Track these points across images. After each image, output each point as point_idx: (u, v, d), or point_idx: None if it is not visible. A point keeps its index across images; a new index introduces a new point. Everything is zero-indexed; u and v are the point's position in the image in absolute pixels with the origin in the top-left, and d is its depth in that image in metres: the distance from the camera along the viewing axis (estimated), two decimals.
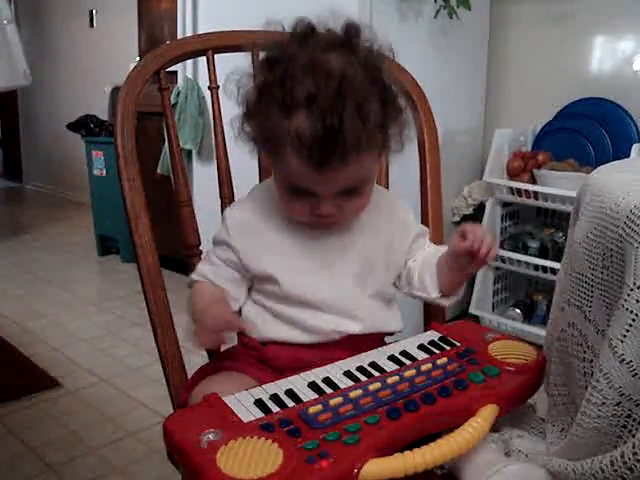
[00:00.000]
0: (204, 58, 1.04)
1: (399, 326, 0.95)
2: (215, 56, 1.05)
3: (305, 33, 0.79)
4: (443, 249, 0.94)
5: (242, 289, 0.91)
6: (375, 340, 0.91)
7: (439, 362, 0.79)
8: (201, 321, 0.80)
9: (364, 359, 0.82)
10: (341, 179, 0.77)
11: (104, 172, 3.29)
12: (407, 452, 0.65)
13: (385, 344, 0.94)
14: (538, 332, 2.06)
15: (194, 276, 0.91)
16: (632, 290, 0.59)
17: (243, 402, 0.71)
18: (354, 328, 0.88)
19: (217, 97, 1.05)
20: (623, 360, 0.59)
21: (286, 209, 0.86)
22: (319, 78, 0.73)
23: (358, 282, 0.89)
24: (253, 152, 0.87)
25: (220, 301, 0.84)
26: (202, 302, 0.85)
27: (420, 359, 0.82)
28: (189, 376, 0.93)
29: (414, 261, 0.95)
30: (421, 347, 0.85)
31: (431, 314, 1.08)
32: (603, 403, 0.60)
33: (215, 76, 1.05)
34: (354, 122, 0.73)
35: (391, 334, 0.95)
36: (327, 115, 0.72)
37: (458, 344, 0.86)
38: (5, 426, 1.76)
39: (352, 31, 0.79)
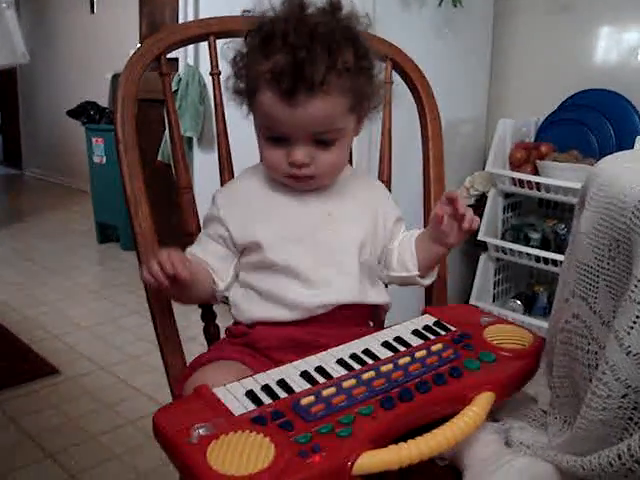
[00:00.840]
0: (206, 45, 1.03)
1: (385, 299, 0.95)
2: (217, 42, 1.03)
3: (292, 3, 0.85)
4: (420, 230, 0.97)
5: (229, 268, 0.91)
6: (362, 315, 0.92)
7: (434, 348, 0.78)
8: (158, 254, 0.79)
9: (357, 346, 0.80)
10: (310, 116, 0.81)
11: (104, 159, 3.27)
12: (401, 443, 0.63)
13: (374, 320, 0.95)
14: (539, 324, 2.06)
15: None
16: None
17: (234, 394, 0.70)
18: (338, 298, 0.87)
19: (218, 83, 1.03)
20: (630, 352, 0.58)
21: (266, 164, 0.89)
22: (296, 24, 0.80)
23: (343, 250, 0.90)
24: (243, 111, 0.91)
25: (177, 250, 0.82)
26: None
27: (414, 345, 0.80)
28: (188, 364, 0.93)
29: (392, 244, 0.97)
30: (415, 332, 0.84)
31: (432, 301, 1.07)
32: (609, 395, 0.59)
33: (217, 62, 1.04)
34: (322, 57, 0.79)
35: (379, 310, 0.96)
36: (297, 49, 0.78)
37: (453, 329, 0.85)
38: (4, 413, 1.76)
39: (334, 4, 0.86)
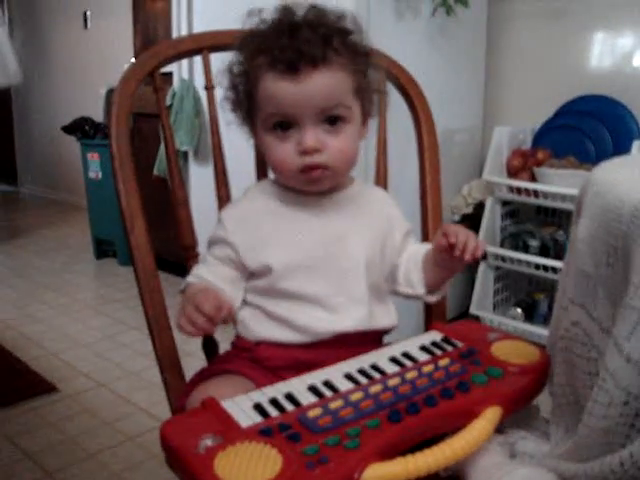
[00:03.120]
0: (200, 59, 1.03)
1: (393, 322, 0.94)
2: (211, 56, 1.03)
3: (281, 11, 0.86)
4: (428, 246, 0.95)
5: (239, 289, 0.89)
6: (370, 338, 0.90)
7: (441, 363, 0.78)
8: (192, 304, 0.77)
9: (365, 360, 0.80)
10: (316, 90, 0.81)
11: (100, 175, 3.27)
12: (409, 456, 0.63)
13: (381, 341, 0.94)
14: (540, 331, 2.05)
15: (189, 278, 0.90)
16: (638, 288, 0.57)
17: (241, 406, 0.70)
18: (347, 326, 0.86)
19: (213, 97, 1.03)
20: (630, 359, 0.57)
21: (275, 162, 0.86)
22: (287, 20, 0.83)
23: (354, 277, 0.88)
24: (242, 127, 0.91)
25: (213, 290, 0.82)
26: (194, 290, 0.83)
27: (422, 360, 0.80)
28: (187, 379, 0.92)
29: (400, 258, 0.95)
30: (423, 348, 0.84)
31: (432, 314, 1.07)
32: (610, 403, 0.59)
33: (211, 76, 1.04)
34: (318, 38, 0.81)
35: (386, 332, 0.94)
36: (295, 30, 0.81)
37: (460, 345, 0.85)
38: (2, 432, 1.74)
39: (320, 11, 0.86)
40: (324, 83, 0.81)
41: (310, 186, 0.87)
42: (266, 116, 0.85)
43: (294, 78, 0.80)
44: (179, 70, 2.60)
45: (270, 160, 0.88)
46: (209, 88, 1.04)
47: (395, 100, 1.12)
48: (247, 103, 0.87)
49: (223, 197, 1.03)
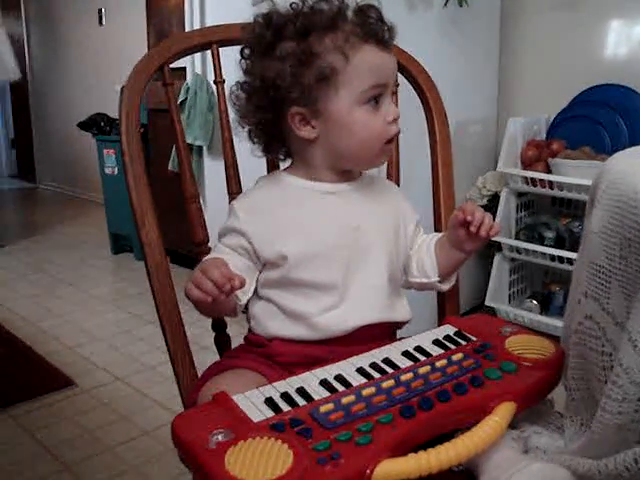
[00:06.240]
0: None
1: (408, 316, 0.93)
2: (221, 50, 1.03)
3: None
4: (439, 235, 0.96)
5: (252, 281, 0.88)
6: (384, 333, 0.90)
7: (454, 358, 0.78)
8: (200, 270, 0.76)
9: (377, 355, 0.80)
10: (393, 61, 0.87)
11: (115, 170, 3.29)
12: (421, 452, 0.63)
13: (394, 337, 0.93)
14: (555, 323, 2.04)
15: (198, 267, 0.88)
16: None
17: (253, 401, 0.69)
18: (365, 316, 0.86)
19: (223, 91, 1.03)
20: None
21: (366, 136, 0.85)
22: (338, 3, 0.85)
23: (373, 266, 0.88)
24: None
25: (225, 262, 0.79)
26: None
27: (435, 355, 0.80)
28: (199, 374, 0.92)
29: (411, 249, 0.96)
30: (436, 342, 0.83)
31: (445, 307, 1.06)
32: (624, 399, 0.58)
33: (221, 70, 1.03)
34: (379, 16, 0.86)
35: (400, 325, 0.94)
36: (363, 11, 0.84)
37: (474, 339, 0.84)
38: (21, 426, 1.76)
39: None
40: (393, 58, 0.87)
41: (385, 158, 0.92)
42: (365, 89, 0.83)
43: (387, 50, 0.85)
44: (192, 65, 2.60)
45: (361, 135, 0.85)
46: (219, 83, 1.03)
47: (407, 92, 1.11)
48: (313, 84, 0.82)
49: (234, 192, 1.03)
